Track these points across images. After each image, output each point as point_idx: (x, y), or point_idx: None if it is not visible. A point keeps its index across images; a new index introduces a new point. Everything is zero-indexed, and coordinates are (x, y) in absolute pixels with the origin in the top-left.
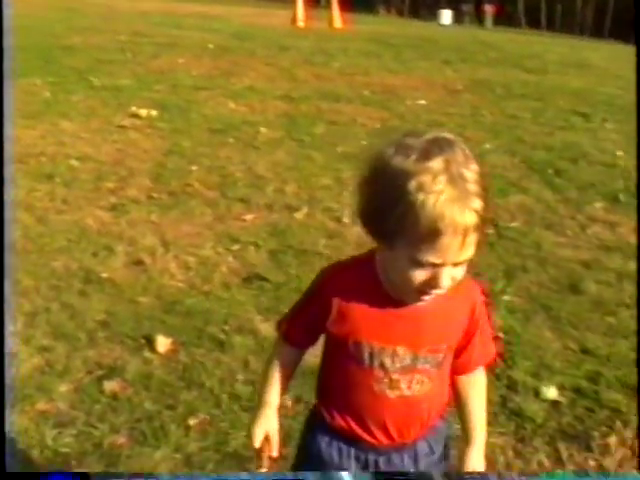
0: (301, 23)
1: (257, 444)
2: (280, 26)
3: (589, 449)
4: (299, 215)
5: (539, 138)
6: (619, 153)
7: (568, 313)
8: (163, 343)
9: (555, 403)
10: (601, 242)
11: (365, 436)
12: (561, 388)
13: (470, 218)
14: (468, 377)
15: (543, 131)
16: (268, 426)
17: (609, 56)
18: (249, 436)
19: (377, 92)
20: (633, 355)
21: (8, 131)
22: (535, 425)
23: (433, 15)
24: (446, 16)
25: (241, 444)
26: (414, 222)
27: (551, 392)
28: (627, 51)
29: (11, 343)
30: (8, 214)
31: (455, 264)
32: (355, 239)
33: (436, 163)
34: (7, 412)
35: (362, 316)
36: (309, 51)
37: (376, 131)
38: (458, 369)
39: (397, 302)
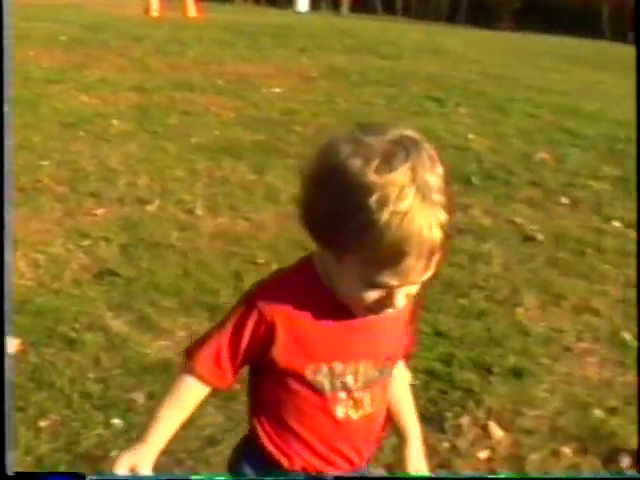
0: (155, 12)
1: (115, 471)
2: (134, 16)
3: (442, 431)
4: (151, 208)
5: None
6: (471, 136)
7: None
8: (12, 344)
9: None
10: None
11: (329, 469)
12: (415, 371)
13: (437, 235)
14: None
15: (397, 117)
16: (137, 462)
17: (464, 41)
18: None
19: (231, 81)
20: (485, 335)
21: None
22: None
23: (289, 2)
24: (302, 3)
25: (92, 444)
26: (374, 242)
27: None
28: (482, 36)
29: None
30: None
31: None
32: (209, 231)
33: (401, 174)
34: (7, 412)
35: (319, 337)
36: (163, 40)
37: (231, 120)
38: None
39: (351, 311)
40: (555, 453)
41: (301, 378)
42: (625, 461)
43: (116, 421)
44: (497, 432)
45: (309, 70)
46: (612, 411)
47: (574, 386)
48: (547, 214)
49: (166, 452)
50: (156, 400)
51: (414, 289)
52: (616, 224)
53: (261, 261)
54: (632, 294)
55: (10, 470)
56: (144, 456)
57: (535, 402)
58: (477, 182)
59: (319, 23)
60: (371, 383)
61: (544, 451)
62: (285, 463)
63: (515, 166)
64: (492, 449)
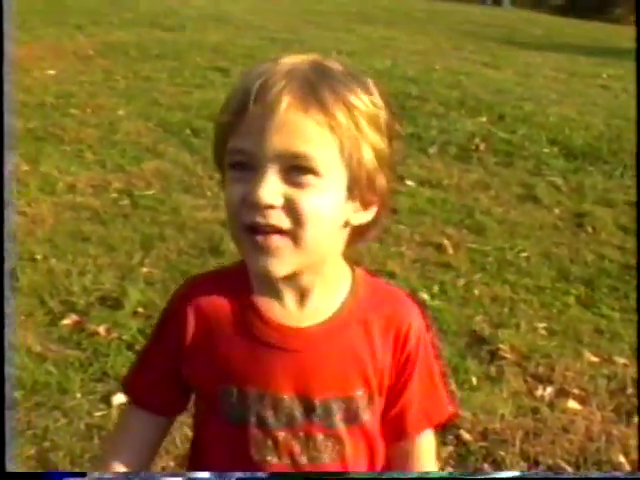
0: None
1: None
2: None
3: None
4: None
5: (175, 99)
6: None
7: None
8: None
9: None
10: None
11: None
12: None
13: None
14: (407, 445)
15: (180, 91)
16: None
17: (249, 6)
18: None
19: None
20: None
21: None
22: None
23: None
24: None
25: None
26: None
27: None
28: (268, 1)
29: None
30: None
31: (288, 165)
32: None
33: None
34: (7, 412)
35: (234, 353)
36: None
37: None
38: (390, 432)
39: (282, 328)
40: None
41: (212, 401)
42: None
43: None
44: None
45: (85, 48)
46: None
47: None
48: None
49: None
50: None
51: (303, 199)
52: (410, 183)
53: (38, 257)
54: (429, 252)
55: (10, 468)
56: None
57: None
58: None
59: None
60: (304, 424)
61: None
62: None
63: None
64: None
